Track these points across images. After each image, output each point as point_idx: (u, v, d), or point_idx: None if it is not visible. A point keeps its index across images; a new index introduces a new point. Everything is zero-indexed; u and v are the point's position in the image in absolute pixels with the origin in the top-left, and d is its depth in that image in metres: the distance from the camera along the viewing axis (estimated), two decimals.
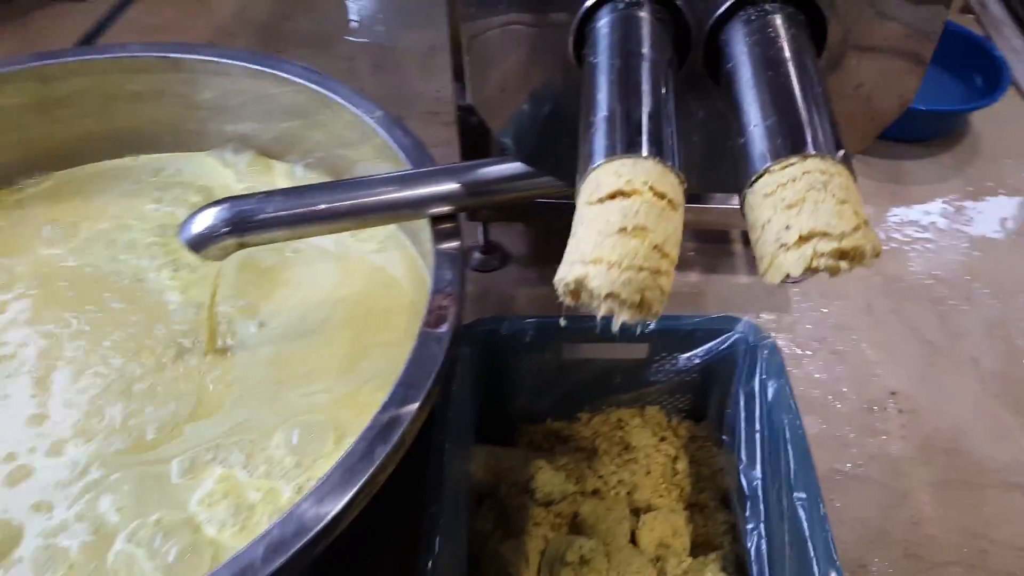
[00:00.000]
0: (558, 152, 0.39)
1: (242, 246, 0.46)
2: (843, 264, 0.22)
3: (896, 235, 0.77)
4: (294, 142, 0.62)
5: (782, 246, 0.22)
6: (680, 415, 0.57)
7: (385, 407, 0.39)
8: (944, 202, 0.79)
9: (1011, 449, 0.59)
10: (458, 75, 0.57)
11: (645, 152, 0.24)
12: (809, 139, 0.25)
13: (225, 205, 0.45)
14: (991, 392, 0.62)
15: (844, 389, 0.64)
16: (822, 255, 0.22)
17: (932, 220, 0.78)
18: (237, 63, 0.58)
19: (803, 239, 0.22)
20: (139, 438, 0.46)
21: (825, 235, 0.22)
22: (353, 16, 1.06)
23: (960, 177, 0.82)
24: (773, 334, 0.50)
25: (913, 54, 0.31)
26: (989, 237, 0.76)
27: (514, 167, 0.45)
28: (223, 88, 0.59)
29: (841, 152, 0.24)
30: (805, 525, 0.41)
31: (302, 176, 0.64)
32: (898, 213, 0.79)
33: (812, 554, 0.40)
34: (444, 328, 0.42)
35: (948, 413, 0.61)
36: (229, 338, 0.53)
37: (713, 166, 0.36)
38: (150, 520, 0.42)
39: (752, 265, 0.73)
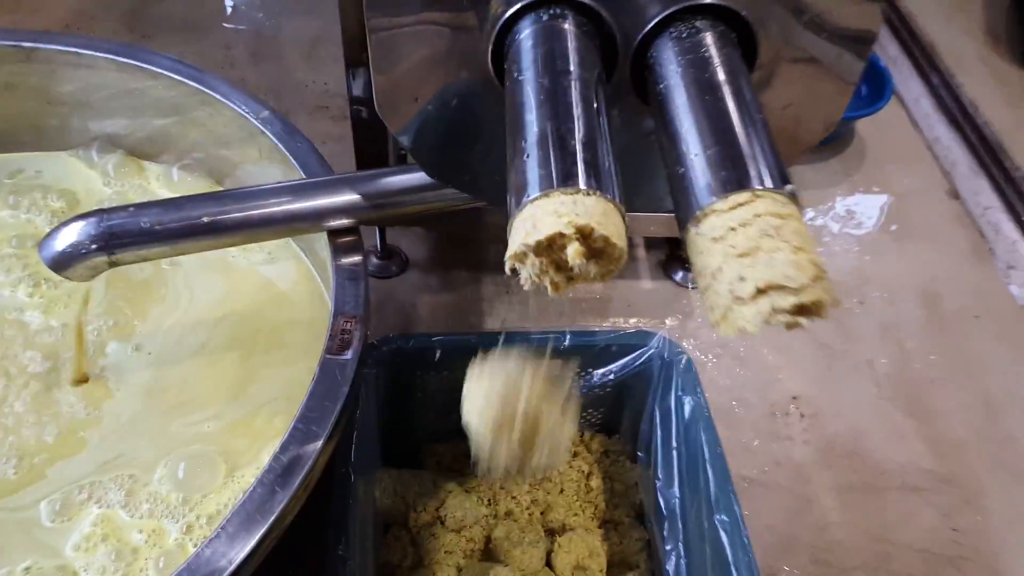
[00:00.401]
0: (468, 166, 0.36)
1: (113, 264, 0.41)
2: (802, 320, 0.20)
3: None
4: (169, 141, 0.56)
5: (737, 299, 0.20)
6: (592, 429, 0.55)
7: (286, 445, 0.35)
8: (835, 206, 0.82)
9: (906, 451, 0.60)
10: (351, 67, 0.52)
11: (584, 185, 0.22)
12: (755, 172, 0.23)
13: (92, 219, 0.39)
14: (885, 395, 0.64)
15: (747, 395, 0.64)
16: (781, 311, 0.20)
17: (824, 224, 0.80)
18: (100, 55, 0.51)
19: (760, 292, 0.20)
20: None
21: (783, 288, 0.20)
22: (229, 0, 0.98)
23: (849, 182, 0.84)
24: (679, 340, 0.49)
25: (841, 75, 0.30)
26: (877, 240, 0.78)
27: (419, 177, 0.42)
28: (85, 81, 0.52)
29: (789, 187, 0.23)
30: (728, 549, 0.40)
31: (178, 178, 0.58)
32: None
33: None
34: (348, 355, 0.39)
35: (847, 416, 0.63)
36: (101, 363, 0.47)
37: (639, 185, 0.35)
38: (18, 569, 0.38)
39: (655, 270, 0.73)
